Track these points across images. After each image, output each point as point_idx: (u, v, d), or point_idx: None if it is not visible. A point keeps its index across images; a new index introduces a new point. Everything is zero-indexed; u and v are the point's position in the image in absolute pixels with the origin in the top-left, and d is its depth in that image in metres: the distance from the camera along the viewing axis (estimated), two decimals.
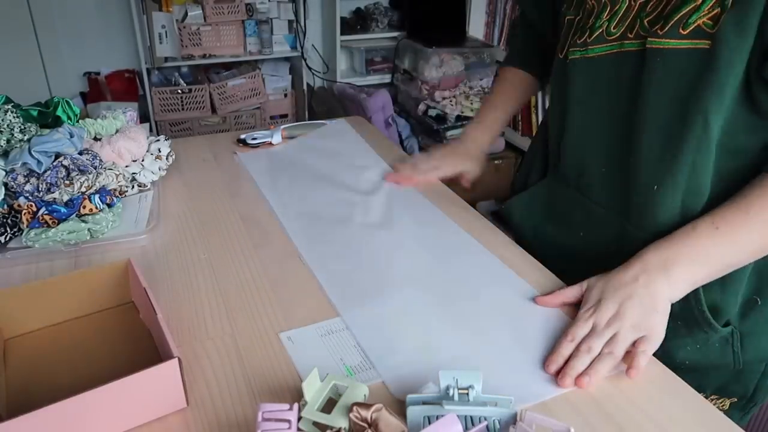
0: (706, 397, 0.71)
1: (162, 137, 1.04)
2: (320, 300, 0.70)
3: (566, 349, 0.60)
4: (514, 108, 1.03)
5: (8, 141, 0.84)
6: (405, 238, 0.83)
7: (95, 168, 0.86)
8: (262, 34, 2.66)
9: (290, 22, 2.73)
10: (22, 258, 0.76)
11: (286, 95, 2.91)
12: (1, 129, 0.84)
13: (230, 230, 0.85)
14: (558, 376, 0.58)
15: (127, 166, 0.94)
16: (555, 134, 0.84)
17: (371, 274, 0.74)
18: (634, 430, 0.53)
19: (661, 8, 0.64)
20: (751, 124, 0.63)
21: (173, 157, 1.02)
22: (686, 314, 0.69)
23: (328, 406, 0.51)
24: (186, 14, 2.51)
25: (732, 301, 0.69)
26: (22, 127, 0.86)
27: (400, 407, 0.54)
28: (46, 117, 0.92)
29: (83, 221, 0.80)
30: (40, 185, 0.81)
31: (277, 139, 1.14)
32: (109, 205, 0.83)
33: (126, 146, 0.94)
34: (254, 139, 1.13)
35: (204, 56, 2.62)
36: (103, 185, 0.84)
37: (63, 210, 0.79)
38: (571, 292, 0.68)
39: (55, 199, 0.80)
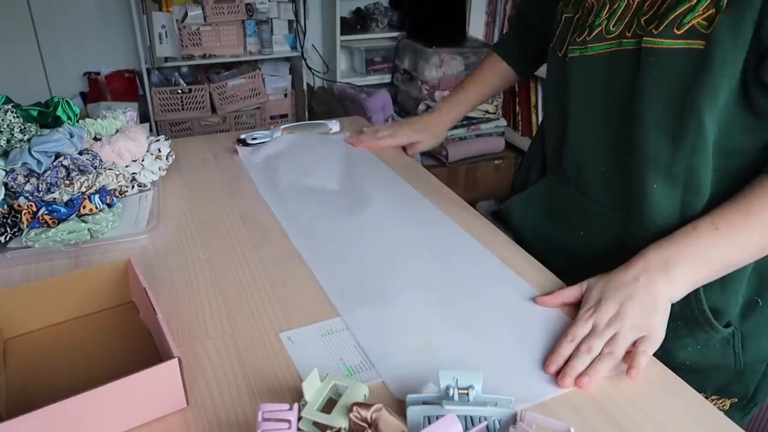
0: (707, 398, 0.71)
1: (162, 137, 1.04)
2: (320, 300, 0.70)
3: (566, 349, 0.60)
4: (485, 95, 1.11)
5: (8, 141, 0.84)
6: (405, 238, 0.83)
7: (95, 168, 0.86)
8: (262, 34, 2.66)
9: (290, 22, 2.73)
10: (22, 258, 0.76)
11: (286, 95, 2.91)
12: (1, 129, 0.84)
13: (230, 230, 0.85)
14: (558, 376, 0.58)
15: (127, 166, 0.94)
16: (553, 133, 0.84)
17: (371, 274, 0.74)
18: (635, 430, 0.53)
19: (657, 7, 0.64)
20: (749, 125, 0.63)
21: (173, 157, 1.02)
22: (687, 315, 0.69)
23: (328, 406, 0.51)
24: (186, 14, 2.51)
25: (733, 301, 0.69)
26: (22, 127, 0.86)
27: (400, 407, 0.54)
28: (46, 117, 0.92)
29: (83, 221, 0.80)
30: (40, 185, 0.81)
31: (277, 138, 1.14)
32: (109, 205, 0.83)
33: (126, 146, 0.94)
34: (254, 139, 1.13)
35: (204, 56, 2.62)
36: (103, 185, 0.84)
37: (63, 210, 0.79)
38: (571, 293, 0.68)
39: (55, 199, 0.80)
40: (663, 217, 0.69)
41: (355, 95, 2.53)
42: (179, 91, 2.59)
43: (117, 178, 0.87)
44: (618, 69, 0.69)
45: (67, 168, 0.84)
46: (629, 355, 0.59)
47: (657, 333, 0.61)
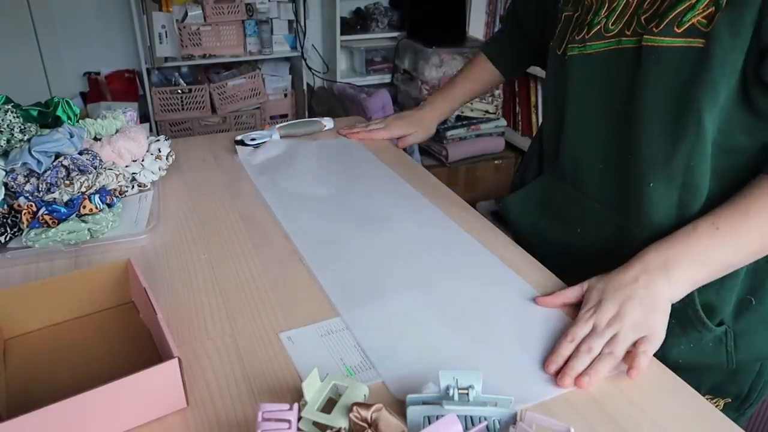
0: None
1: (162, 137, 1.04)
2: (320, 300, 0.70)
3: (566, 349, 0.60)
4: (475, 92, 1.15)
5: (8, 141, 0.84)
6: (405, 238, 0.83)
7: (95, 168, 0.86)
8: (262, 34, 2.66)
9: (290, 22, 2.73)
10: (22, 258, 0.76)
11: (286, 95, 2.91)
12: (1, 129, 0.84)
13: (230, 230, 0.85)
14: (558, 376, 0.58)
15: (127, 166, 0.94)
16: (551, 131, 0.84)
17: (371, 274, 0.74)
18: (634, 430, 0.53)
19: (657, 6, 0.64)
20: (749, 124, 0.63)
21: (173, 157, 1.02)
22: (680, 313, 0.69)
23: (328, 406, 0.51)
24: (186, 14, 2.51)
25: (726, 300, 0.69)
26: (22, 127, 0.86)
27: (400, 407, 0.54)
28: (46, 117, 0.92)
29: (83, 221, 0.80)
30: (40, 185, 0.81)
31: (275, 138, 1.15)
32: (109, 205, 0.83)
33: (126, 146, 0.94)
34: (253, 140, 1.13)
35: (204, 56, 2.62)
36: (103, 185, 0.84)
37: (63, 210, 0.79)
38: (572, 293, 0.68)
39: (55, 199, 0.80)
40: (659, 216, 0.69)
41: (355, 95, 2.53)
42: (179, 91, 2.59)
43: (117, 178, 0.87)
44: (617, 67, 0.69)
45: (67, 168, 0.84)
46: (629, 356, 0.59)
47: (657, 333, 0.61)
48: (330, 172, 1.03)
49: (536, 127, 2.67)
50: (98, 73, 2.64)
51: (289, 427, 0.48)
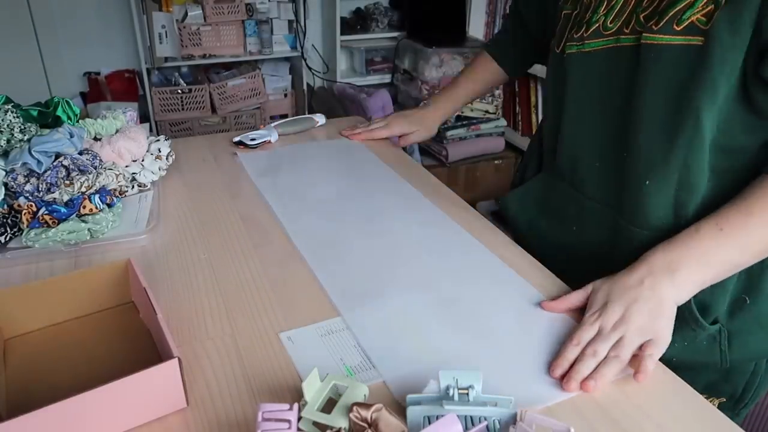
0: None
1: (162, 137, 1.04)
2: (320, 300, 0.70)
3: (571, 353, 0.60)
4: (477, 92, 1.15)
5: (8, 141, 0.84)
6: (406, 238, 0.83)
7: (95, 168, 0.86)
8: (262, 34, 2.66)
9: (290, 22, 2.73)
10: (22, 258, 0.76)
11: (286, 95, 2.91)
12: (1, 129, 0.84)
13: (230, 230, 0.85)
14: (563, 380, 0.58)
15: (127, 166, 0.94)
16: (550, 129, 0.84)
17: (372, 274, 0.74)
18: (635, 430, 0.53)
19: (656, 4, 0.64)
20: (749, 123, 0.63)
21: (173, 157, 1.02)
22: (681, 315, 0.69)
23: (328, 406, 0.51)
24: (186, 14, 2.51)
25: (720, 299, 0.69)
26: (22, 127, 0.86)
27: (400, 407, 0.54)
28: (46, 117, 0.92)
29: (83, 221, 0.80)
30: (40, 185, 0.81)
31: (275, 137, 1.16)
32: (109, 205, 0.83)
33: (126, 146, 0.94)
34: (253, 140, 1.13)
35: (204, 56, 2.62)
36: (103, 185, 0.84)
37: (63, 210, 0.79)
38: (576, 297, 0.68)
39: (55, 199, 0.80)
40: (656, 215, 0.69)
41: (355, 95, 2.53)
42: (179, 91, 2.59)
43: (117, 178, 0.87)
44: (615, 65, 0.69)
45: (67, 168, 0.84)
46: (636, 359, 0.59)
47: (663, 336, 0.60)
48: (331, 173, 1.03)
49: (536, 127, 2.67)
50: (98, 73, 2.64)
51: (289, 427, 0.48)
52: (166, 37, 2.52)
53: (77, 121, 0.96)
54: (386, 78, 2.93)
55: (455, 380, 0.52)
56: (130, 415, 0.52)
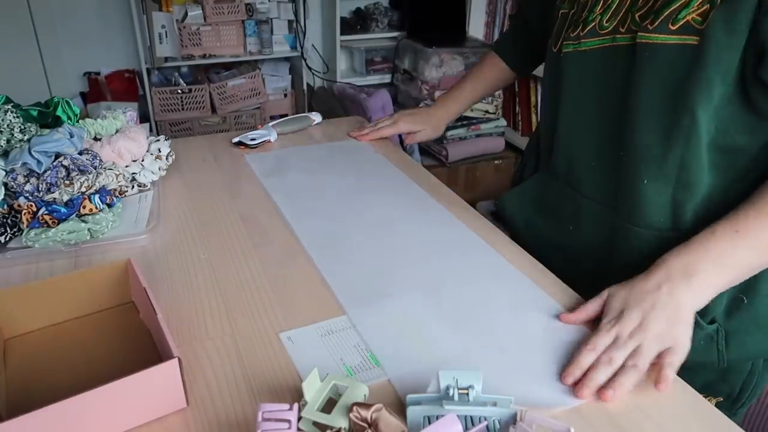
0: None
1: (162, 137, 1.04)
2: (321, 300, 0.70)
3: (585, 359, 0.58)
4: (485, 92, 1.14)
5: (8, 141, 0.84)
6: (413, 238, 0.83)
7: (95, 168, 0.86)
8: (262, 34, 2.66)
9: (290, 22, 2.73)
10: (22, 258, 0.76)
11: (286, 95, 2.91)
12: (1, 129, 0.84)
13: (230, 230, 0.85)
14: (576, 387, 0.56)
15: (127, 166, 0.94)
16: (546, 128, 0.84)
17: (379, 273, 0.75)
18: (635, 430, 0.53)
19: (651, 3, 0.64)
20: (748, 124, 0.63)
21: (173, 157, 1.02)
22: None
23: (328, 406, 0.51)
24: (186, 14, 2.51)
25: (718, 299, 0.68)
26: (22, 127, 0.86)
27: (402, 407, 0.54)
28: (46, 117, 0.92)
29: (83, 221, 0.80)
30: (40, 185, 0.81)
31: (274, 136, 1.16)
32: (109, 205, 0.83)
33: (126, 146, 0.94)
34: (252, 139, 1.13)
35: (204, 56, 2.62)
36: (103, 185, 0.84)
37: (63, 210, 0.79)
38: (593, 307, 0.65)
39: (55, 199, 0.80)
40: (653, 213, 0.69)
41: (355, 95, 2.53)
42: (179, 91, 2.59)
43: (117, 178, 0.87)
44: (612, 64, 0.70)
45: (67, 168, 0.84)
46: (654, 368, 0.57)
47: (682, 344, 0.59)
48: (339, 174, 1.03)
49: (536, 127, 2.67)
50: (98, 73, 2.64)
51: (289, 427, 0.48)
52: (166, 37, 2.52)
53: (77, 121, 0.96)
54: (386, 78, 2.93)
55: (455, 380, 0.52)
56: (130, 415, 0.52)
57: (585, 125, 0.75)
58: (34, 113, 0.90)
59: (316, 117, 1.26)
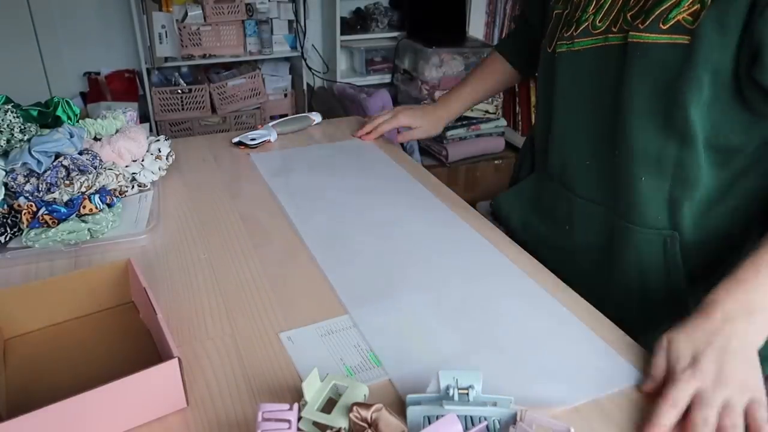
0: None
1: (162, 137, 1.04)
2: (322, 299, 0.70)
3: (667, 417, 0.52)
4: (487, 93, 1.12)
5: (8, 141, 0.84)
6: (417, 238, 0.83)
7: (95, 168, 0.86)
8: (262, 34, 2.66)
9: (290, 22, 2.73)
10: (22, 258, 0.76)
11: (286, 95, 2.91)
12: (1, 129, 0.84)
13: (230, 230, 0.85)
14: None
15: (127, 166, 0.94)
16: (540, 129, 0.85)
17: (382, 273, 0.75)
18: (635, 429, 0.53)
19: (643, 3, 0.65)
20: (744, 123, 0.64)
21: (173, 157, 1.02)
22: (674, 309, 0.69)
23: (328, 406, 0.51)
24: (186, 14, 2.51)
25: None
26: (22, 127, 0.86)
27: (402, 407, 0.54)
28: (46, 117, 0.92)
29: (83, 221, 0.80)
30: (40, 185, 0.81)
31: (274, 136, 1.16)
32: (109, 205, 0.83)
33: (126, 146, 0.94)
34: (253, 139, 1.13)
35: (204, 56, 2.62)
36: (103, 185, 0.84)
37: (63, 210, 0.79)
38: (661, 363, 0.57)
39: (55, 199, 0.80)
40: (650, 211, 0.70)
41: (355, 95, 2.53)
42: (179, 91, 2.59)
43: (117, 178, 0.87)
44: (605, 64, 0.70)
45: (67, 168, 0.84)
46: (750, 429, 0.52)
47: (761, 392, 0.54)
48: (342, 173, 1.03)
49: None
50: (98, 73, 2.64)
51: (289, 427, 0.48)
52: (166, 37, 2.52)
53: (77, 121, 0.96)
54: (386, 78, 2.92)
55: (455, 380, 0.52)
56: (130, 415, 0.52)
57: (579, 125, 0.76)
58: (34, 113, 0.90)
59: (316, 117, 1.26)
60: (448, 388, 0.52)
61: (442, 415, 0.47)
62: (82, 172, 0.84)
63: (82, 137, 0.89)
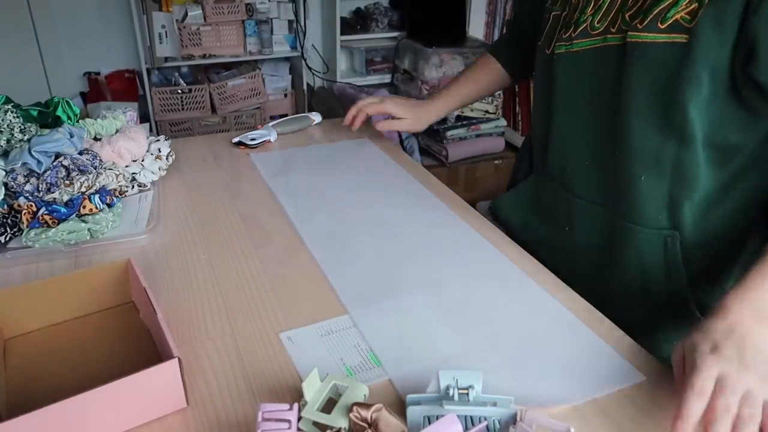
0: None
1: (162, 137, 1.04)
2: (322, 299, 0.70)
3: (696, 407, 0.49)
4: (478, 93, 1.09)
5: (8, 141, 0.84)
6: (417, 239, 0.83)
7: (95, 168, 0.86)
8: (262, 34, 2.66)
9: (290, 22, 2.73)
10: (22, 258, 0.76)
11: (286, 95, 2.91)
12: (1, 129, 0.84)
13: (230, 230, 0.85)
14: None
15: (127, 166, 0.94)
16: (539, 131, 0.85)
17: (382, 273, 0.75)
18: (635, 429, 0.53)
19: (641, 3, 0.65)
20: (741, 121, 0.64)
21: (173, 157, 1.02)
22: (674, 310, 0.69)
23: (328, 406, 0.51)
24: (186, 14, 2.51)
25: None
26: (22, 127, 0.86)
27: (402, 407, 0.54)
28: (46, 117, 0.92)
29: (83, 221, 0.80)
30: (40, 185, 0.81)
31: (274, 136, 1.16)
32: (109, 205, 0.83)
33: (126, 146, 0.94)
34: (253, 139, 1.13)
35: (204, 56, 2.62)
36: (103, 185, 0.84)
37: (63, 210, 0.79)
38: (678, 363, 0.55)
39: (55, 199, 0.80)
40: (650, 210, 0.70)
41: (355, 95, 2.53)
42: (179, 91, 2.59)
43: (117, 178, 0.87)
44: (604, 64, 0.70)
45: (67, 168, 0.84)
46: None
47: None
48: (342, 173, 1.03)
49: None
50: (98, 73, 2.64)
51: (289, 427, 0.48)
52: (166, 37, 2.52)
53: (77, 121, 0.96)
54: (386, 78, 2.92)
55: (455, 380, 0.52)
56: (130, 415, 0.52)
57: (578, 126, 0.76)
58: (34, 113, 0.90)
59: (316, 117, 1.26)
60: (448, 388, 0.52)
61: (442, 415, 0.47)
62: (82, 172, 0.84)
63: (82, 137, 0.89)
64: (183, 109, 2.63)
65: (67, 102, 0.95)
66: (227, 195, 0.95)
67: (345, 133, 1.21)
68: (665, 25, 0.62)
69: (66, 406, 0.47)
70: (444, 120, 2.58)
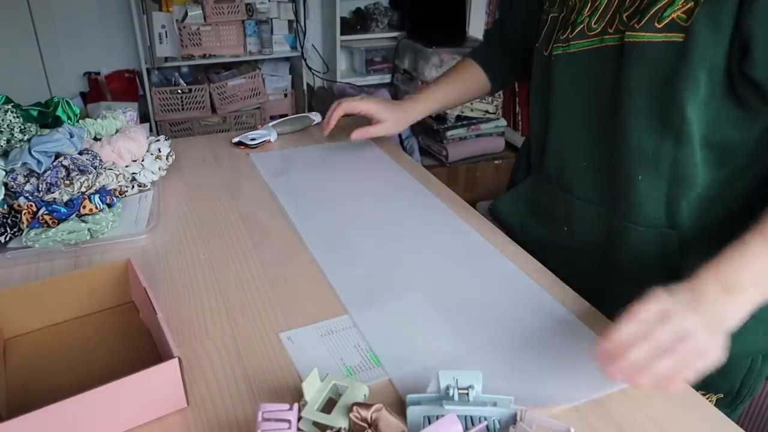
0: None
1: (162, 137, 1.04)
2: (322, 299, 0.70)
3: (625, 330, 0.50)
4: (457, 98, 1.06)
5: (8, 141, 0.84)
6: (416, 238, 0.83)
7: (95, 168, 0.86)
8: (262, 34, 2.66)
9: (290, 22, 2.73)
10: (22, 258, 0.76)
11: (286, 95, 2.91)
12: (1, 129, 0.84)
13: (230, 230, 0.85)
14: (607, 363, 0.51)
15: (127, 166, 0.94)
16: (536, 132, 0.85)
17: (382, 273, 0.75)
18: (635, 429, 0.53)
19: (638, 3, 0.65)
20: (738, 119, 0.64)
21: (173, 157, 1.02)
22: None
23: (328, 406, 0.51)
24: (186, 14, 2.51)
25: None
26: (22, 127, 0.86)
27: (402, 407, 0.54)
28: (46, 117, 0.92)
29: (83, 221, 0.80)
30: (40, 185, 0.81)
31: (274, 136, 1.16)
32: (109, 205, 0.83)
33: (126, 146, 0.94)
34: (253, 139, 1.13)
35: (204, 56, 2.62)
36: (103, 185, 0.84)
37: (63, 210, 0.79)
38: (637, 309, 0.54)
39: (55, 199, 0.80)
40: (649, 210, 0.70)
41: (355, 95, 2.53)
42: (179, 91, 2.59)
43: (117, 178, 0.87)
44: (601, 65, 0.70)
45: (67, 168, 0.84)
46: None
47: (715, 351, 0.53)
48: (342, 173, 1.03)
49: None
50: (98, 73, 2.64)
51: (289, 427, 0.48)
52: (166, 37, 2.52)
53: (77, 121, 0.96)
54: (386, 78, 2.92)
55: (455, 380, 0.52)
56: (130, 415, 0.52)
57: (576, 126, 0.76)
58: (34, 113, 0.90)
59: (316, 117, 1.26)
60: (448, 388, 0.52)
61: (442, 415, 0.47)
62: (82, 172, 0.84)
63: (82, 137, 0.89)
64: (183, 109, 2.63)
65: (67, 102, 0.95)
66: (227, 195, 0.95)
67: (345, 133, 1.21)
68: (662, 24, 0.62)
69: (66, 406, 0.47)
70: (444, 120, 2.58)
